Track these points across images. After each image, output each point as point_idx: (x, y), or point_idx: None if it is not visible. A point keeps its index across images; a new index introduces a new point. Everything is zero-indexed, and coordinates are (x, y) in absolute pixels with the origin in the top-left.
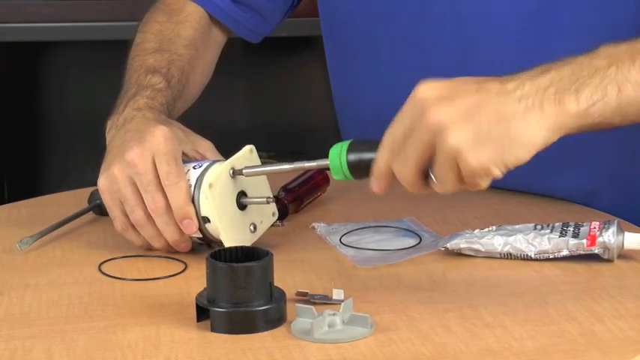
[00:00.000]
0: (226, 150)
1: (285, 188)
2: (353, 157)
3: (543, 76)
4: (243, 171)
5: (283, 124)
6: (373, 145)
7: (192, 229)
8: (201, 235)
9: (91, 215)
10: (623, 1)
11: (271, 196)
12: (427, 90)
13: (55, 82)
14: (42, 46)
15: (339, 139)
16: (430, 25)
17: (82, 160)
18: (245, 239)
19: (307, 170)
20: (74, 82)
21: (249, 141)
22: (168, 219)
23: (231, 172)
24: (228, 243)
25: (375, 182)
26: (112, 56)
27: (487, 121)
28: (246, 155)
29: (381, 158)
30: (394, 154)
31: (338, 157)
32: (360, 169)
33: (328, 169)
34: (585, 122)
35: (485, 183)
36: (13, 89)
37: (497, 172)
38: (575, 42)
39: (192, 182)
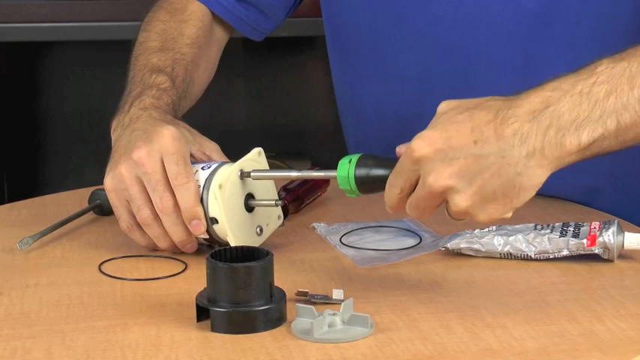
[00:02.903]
0: (227, 150)
1: (285, 188)
2: (361, 172)
3: (542, 115)
4: (251, 174)
5: (283, 124)
6: (382, 161)
7: (200, 230)
8: (207, 236)
9: (91, 215)
10: (622, 2)
11: (279, 199)
12: (423, 147)
13: (55, 82)
14: (42, 46)
15: (340, 140)
16: (431, 24)
17: (82, 160)
18: (252, 241)
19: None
20: (74, 82)
21: (250, 141)
22: (175, 219)
23: (239, 174)
24: (235, 244)
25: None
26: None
27: (490, 178)
28: (255, 157)
29: (390, 206)
30: (403, 202)
31: (346, 170)
32: (367, 185)
33: (335, 180)
34: (584, 156)
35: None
36: (13, 89)
37: (508, 216)
38: (575, 41)
39: (201, 183)
